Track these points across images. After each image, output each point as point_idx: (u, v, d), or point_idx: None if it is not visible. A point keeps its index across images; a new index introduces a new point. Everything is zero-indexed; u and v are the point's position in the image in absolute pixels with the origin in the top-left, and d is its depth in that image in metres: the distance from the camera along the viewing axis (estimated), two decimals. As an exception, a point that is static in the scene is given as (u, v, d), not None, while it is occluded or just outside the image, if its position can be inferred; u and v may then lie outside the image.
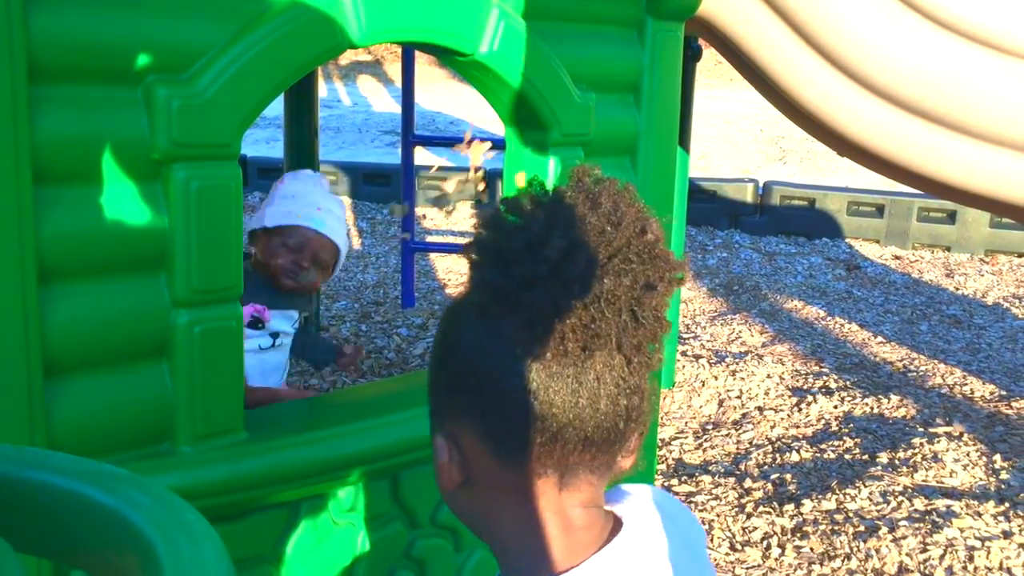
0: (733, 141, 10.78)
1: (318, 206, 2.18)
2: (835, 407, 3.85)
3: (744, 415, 3.80)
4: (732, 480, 3.21)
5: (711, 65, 11.75)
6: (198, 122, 1.42)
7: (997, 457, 3.35)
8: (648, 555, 0.90)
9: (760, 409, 3.85)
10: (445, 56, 1.85)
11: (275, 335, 2.20)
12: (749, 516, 2.96)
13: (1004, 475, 3.21)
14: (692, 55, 3.78)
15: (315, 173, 2.30)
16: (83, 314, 1.39)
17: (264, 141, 9.63)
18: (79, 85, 1.34)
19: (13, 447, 0.81)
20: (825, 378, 4.21)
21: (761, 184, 7.24)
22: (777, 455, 3.42)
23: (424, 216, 7.11)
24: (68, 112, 1.33)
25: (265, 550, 1.67)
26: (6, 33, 1.22)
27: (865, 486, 3.09)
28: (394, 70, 14.62)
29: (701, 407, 3.87)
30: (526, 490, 0.86)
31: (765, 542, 2.83)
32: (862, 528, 2.84)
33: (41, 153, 1.31)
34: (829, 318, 5.17)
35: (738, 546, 2.81)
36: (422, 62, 8.49)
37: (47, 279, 1.35)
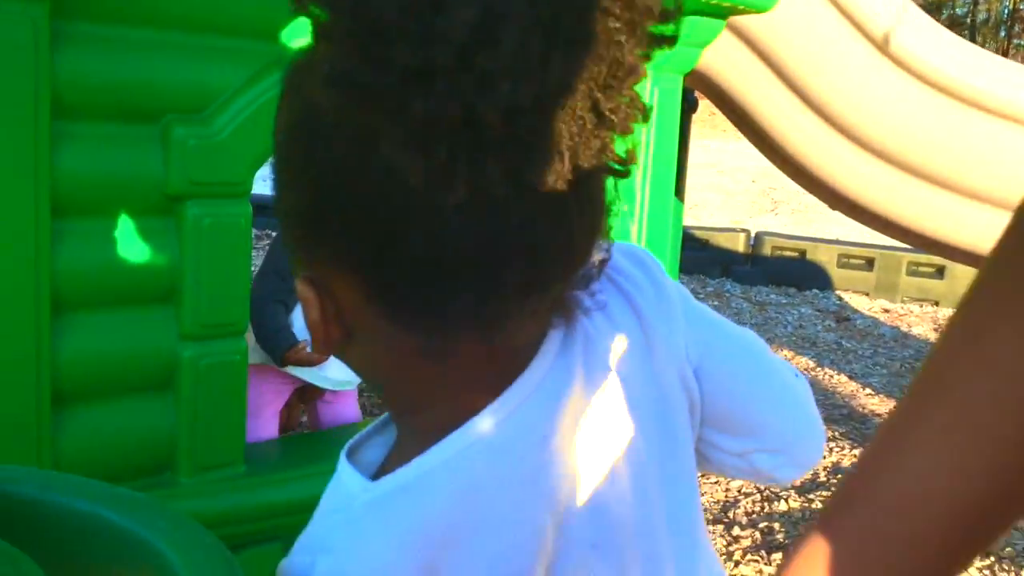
0: (725, 191, 10.89)
1: None
2: (824, 457, 3.87)
3: (733, 463, 3.81)
4: (720, 528, 3.22)
5: (705, 116, 11.91)
6: (213, 161, 1.46)
7: (983, 511, 3.37)
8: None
9: (749, 457, 3.86)
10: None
11: None
12: (737, 564, 2.98)
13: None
14: (689, 107, 3.85)
15: None
16: (93, 345, 1.42)
17: (262, 179, 9.66)
18: (100, 122, 1.38)
19: (33, 469, 0.83)
20: (814, 428, 4.23)
21: (753, 234, 7.32)
22: (765, 504, 3.43)
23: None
24: (88, 148, 1.37)
25: (259, 584, 1.68)
26: (33, 71, 1.27)
27: (852, 536, 3.11)
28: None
29: (690, 454, 3.88)
30: (423, 352, 0.59)
31: (752, 590, 2.84)
32: (849, 578, 2.85)
33: (60, 187, 1.34)
34: (818, 369, 5.21)
35: (726, 594, 2.82)
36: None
37: (60, 309, 1.38)
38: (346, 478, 0.64)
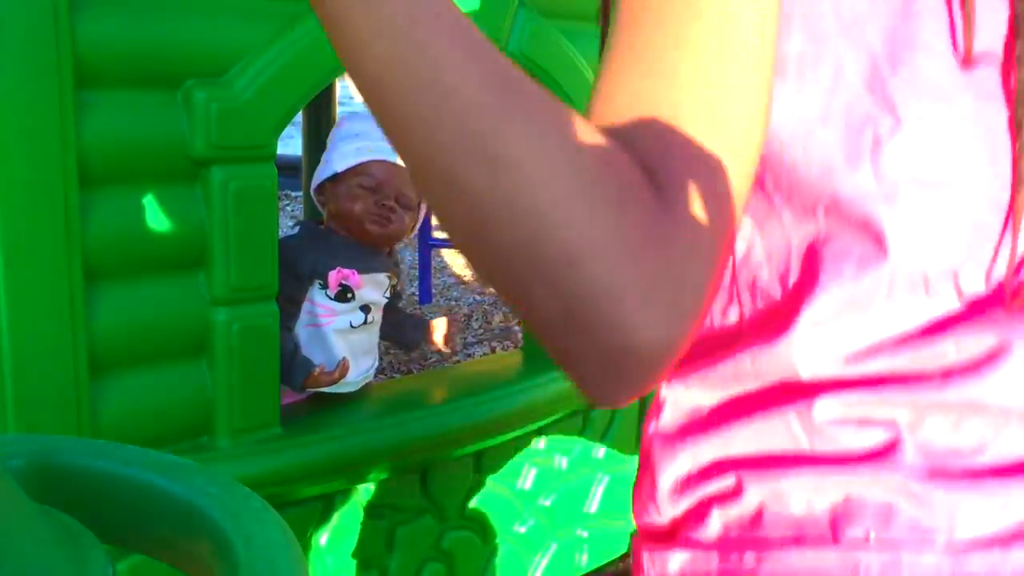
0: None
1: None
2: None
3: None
4: None
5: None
6: (236, 124, 1.45)
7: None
8: None
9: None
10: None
11: (366, 308, 1.82)
12: None
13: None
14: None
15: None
16: (127, 312, 1.43)
17: (279, 137, 9.63)
18: (122, 90, 1.37)
19: (78, 439, 0.83)
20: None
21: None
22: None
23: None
24: (112, 116, 1.37)
25: (300, 542, 1.71)
26: (54, 41, 1.26)
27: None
28: (405, 67, 14.50)
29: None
30: None
31: None
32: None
33: (86, 156, 1.34)
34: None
35: None
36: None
37: (92, 279, 1.38)
38: None
